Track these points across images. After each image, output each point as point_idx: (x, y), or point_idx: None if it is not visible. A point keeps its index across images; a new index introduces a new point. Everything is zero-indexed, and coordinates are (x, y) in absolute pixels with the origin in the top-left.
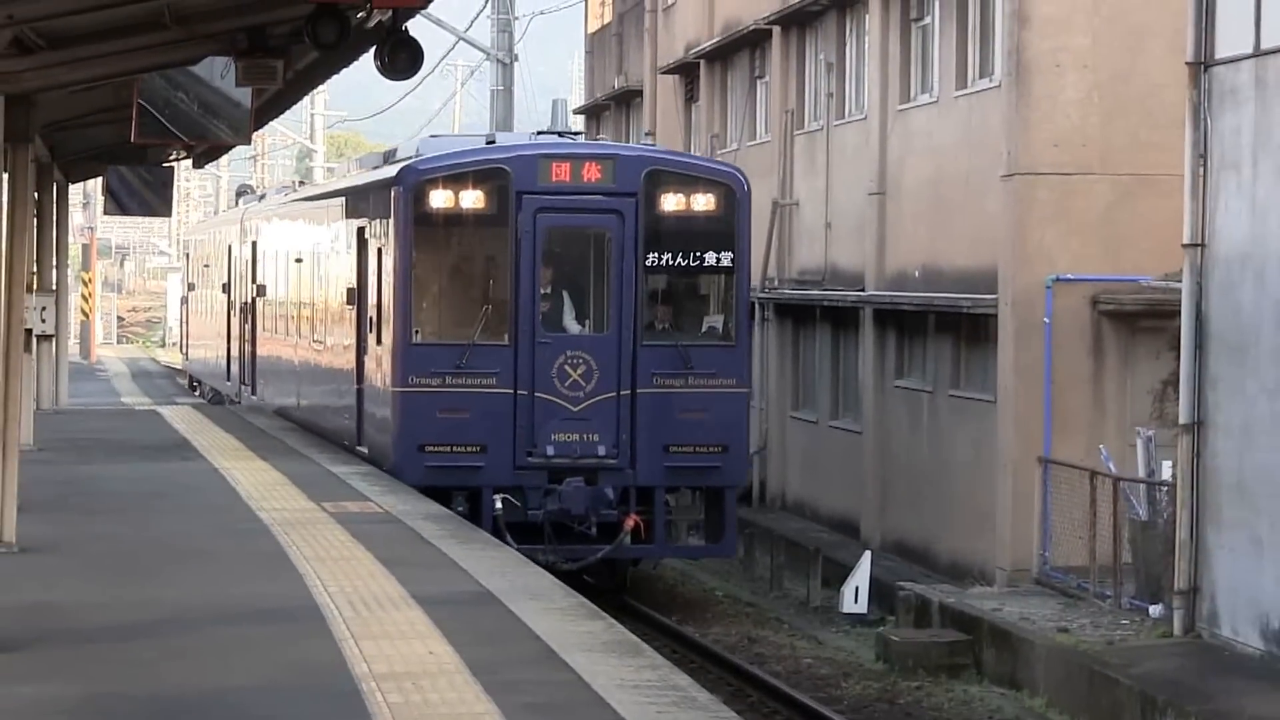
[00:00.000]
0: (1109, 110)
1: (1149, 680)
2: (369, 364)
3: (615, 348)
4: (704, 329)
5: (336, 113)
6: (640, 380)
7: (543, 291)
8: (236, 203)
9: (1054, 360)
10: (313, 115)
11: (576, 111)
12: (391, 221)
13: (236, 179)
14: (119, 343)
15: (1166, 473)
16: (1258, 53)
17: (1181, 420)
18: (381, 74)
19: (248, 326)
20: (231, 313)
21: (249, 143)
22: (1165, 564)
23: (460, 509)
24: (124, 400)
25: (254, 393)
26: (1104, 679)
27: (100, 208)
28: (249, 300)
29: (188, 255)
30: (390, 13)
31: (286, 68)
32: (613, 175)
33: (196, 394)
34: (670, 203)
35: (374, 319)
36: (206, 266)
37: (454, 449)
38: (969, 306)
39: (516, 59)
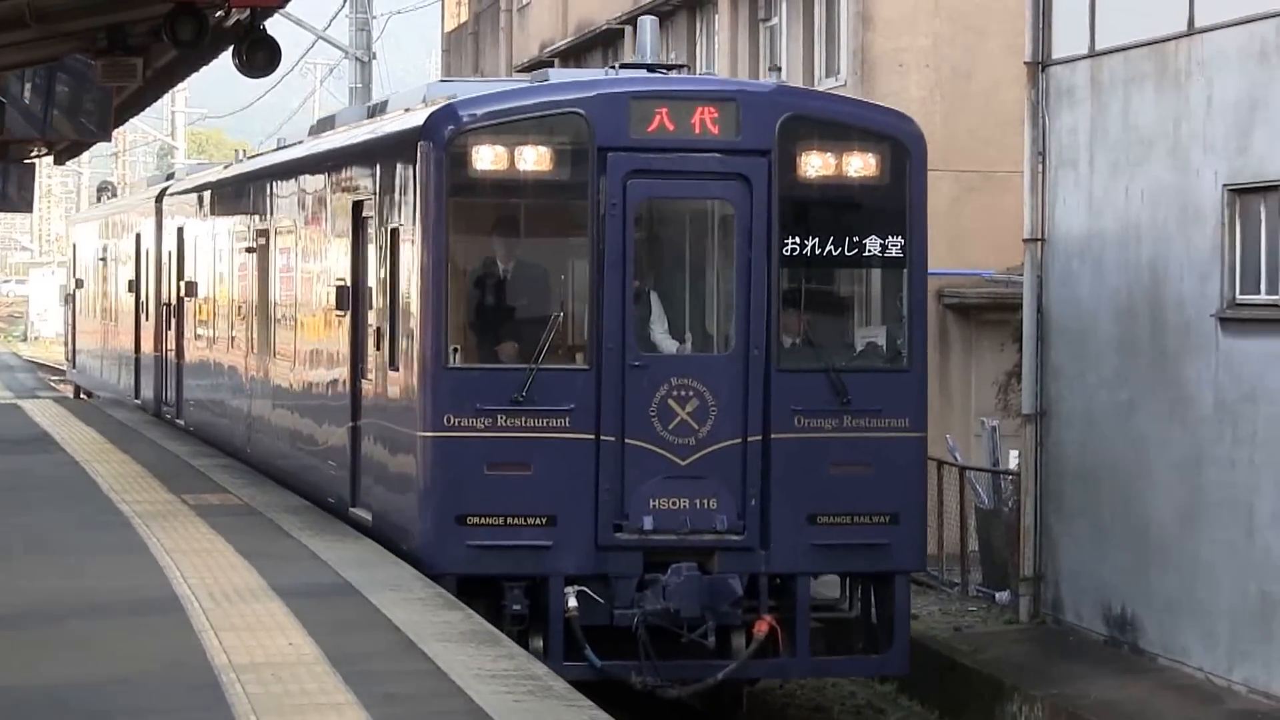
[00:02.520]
0: (950, 108)
1: (996, 665)
2: (374, 394)
3: (741, 374)
4: (859, 347)
5: (197, 110)
6: (776, 421)
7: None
8: (99, 199)
9: None
10: (174, 113)
11: None
12: (415, 192)
13: (98, 175)
14: None
15: (1012, 462)
16: (1092, 54)
17: (1025, 411)
18: (240, 72)
19: (170, 334)
20: (144, 316)
21: (110, 139)
22: (1011, 551)
23: (516, 608)
24: None
25: (179, 415)
26: (952, 665)
27: None
28: (172, 301)
29: (74, 246)
30: (248, 12)
31: (146, 66)
32: (735, 124)
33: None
34: (817, 165)
35: (382, 331)
36: (103, 260)
37: (508, 521)
38: None
39: (374, 57)
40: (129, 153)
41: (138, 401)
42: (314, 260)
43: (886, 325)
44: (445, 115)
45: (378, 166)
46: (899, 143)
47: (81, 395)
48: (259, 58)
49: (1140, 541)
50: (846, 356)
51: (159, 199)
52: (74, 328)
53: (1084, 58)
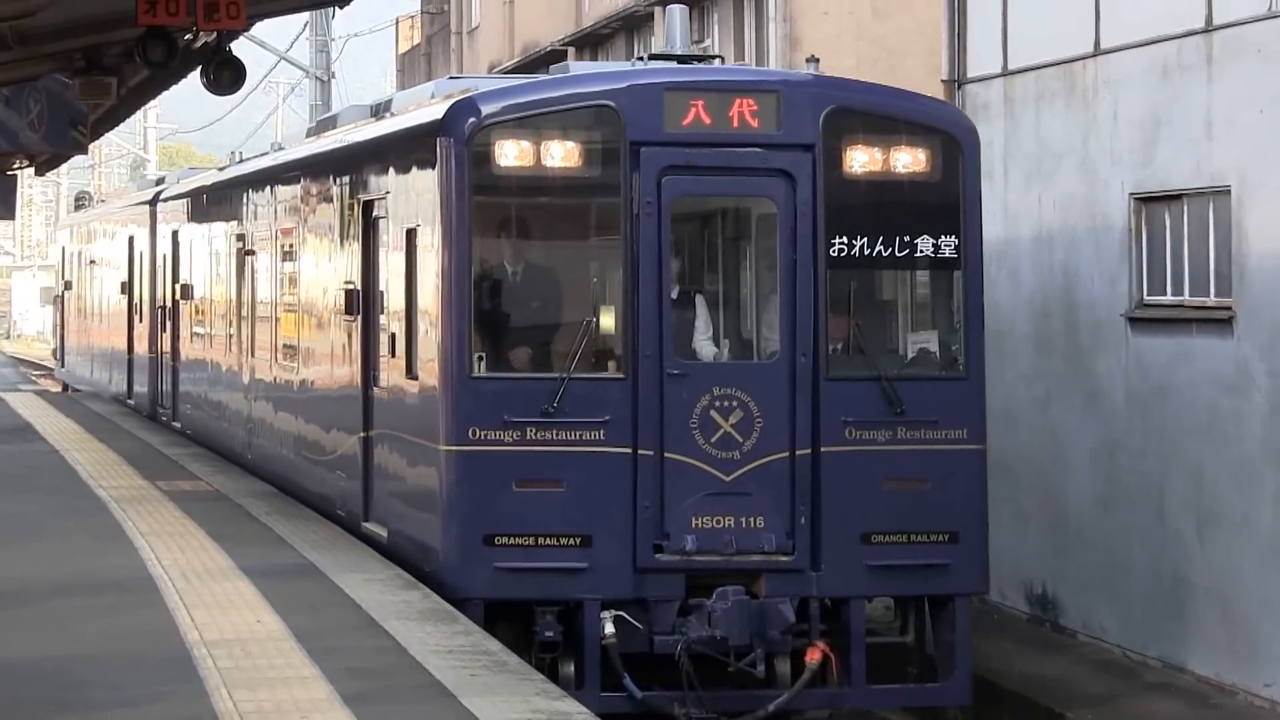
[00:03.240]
0: None
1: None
2: (388, 403)
3: (787, 383)
4: (910, 353)
5: (168, 125)
6: (826, 433)
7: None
8: (77, 207)
9: None
10: (146, 128)
11: None
12: (434, 191)
13: (76, 185)
14: None
15: None
16: (1005, 73)
17: None
18: (208, 90)
19: (165, 335)
20: (137, 317)
21: (86, 152)
22: None
23: (548, 635)
24: None
25: (175, 418)
26: None
27: None
28: (168, 304)
29: (63, 250)
30: (215, 35)
31: (120, 85)
32: (776, 116)
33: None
34: (863, 160)
35: (397, 337)
36: (93, 263)
37: (539, 541)
38: None
39: (333, 76)
40: (105, 165)
41: (130, 402)
42: (320, 262)
43: (940, 330)
44: (466, 108)
45: (392, 164)
46: (951, 137)
47: (71, 391)
48: (225, 77)
49: (1059, 525)
50: (898, 364)
51: (153, 203)
52: (63, 328)
53: (998, 76)
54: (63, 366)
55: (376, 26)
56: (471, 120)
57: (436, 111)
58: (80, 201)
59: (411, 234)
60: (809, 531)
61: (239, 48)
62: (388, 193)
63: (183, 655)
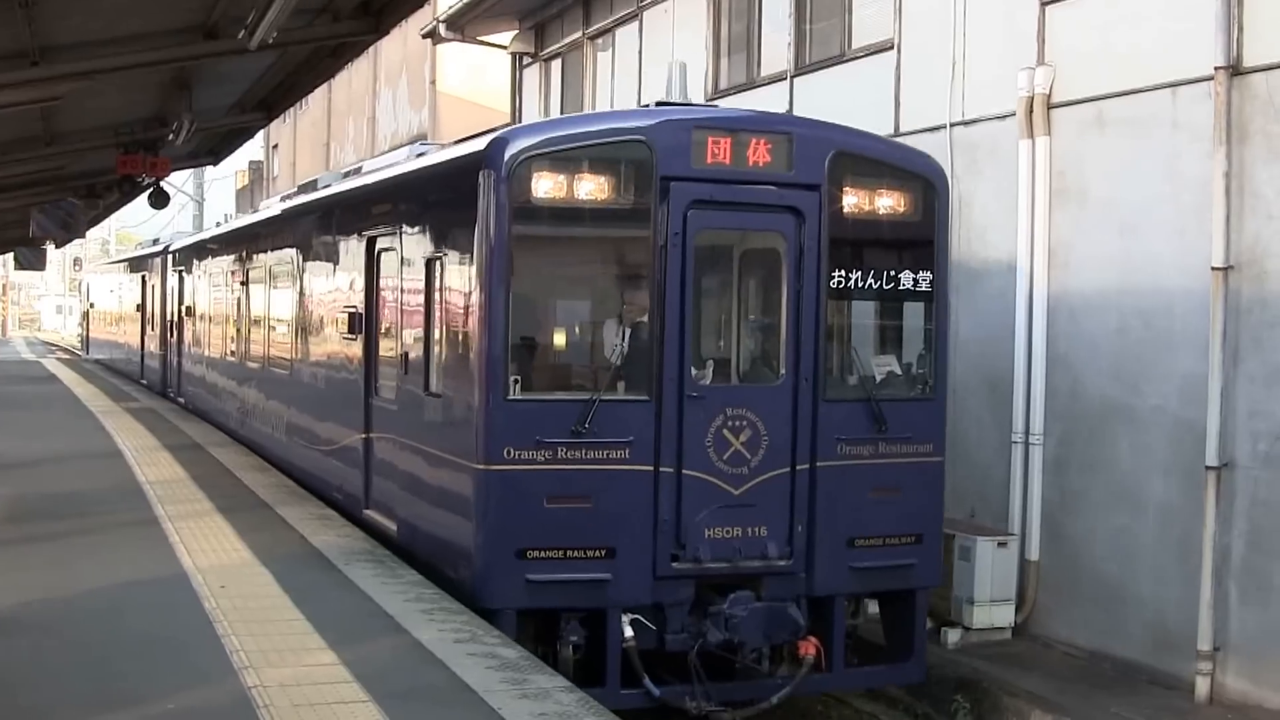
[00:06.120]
0: None
1: None
2: (395, 413)
3: (789, 404)
4: (879, 376)
5: (122, 220)
6: (822, 449)
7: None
8: (76, 266)
9: None
10: (109, 224)
11: None
12: (479, 222)
13: (72, 251)
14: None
15: None
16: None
17: None
18: (150, 206)
19: (172, 339)
20: (150, 328)
21: (83, 237)
22: None
23: (574, 640)
24: (23, 356)
25: (179, 395)
26: None
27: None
28: (174, 318)
29: (88, 286)
30: (154, 178)
31: (104, 202)
32: (788, 158)
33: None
34: (859, 201)
35: (411, 355)
36: (112, 291)
37: (568, 554)
38: None
39: (204, 199)
40: (87, 243)
41: (144, 381)
42: (317, 288)
43: (915, 355)
44: (507, 141)
45: (407, 201)
46: (929, 182)
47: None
48: (159, 199)
49: None
50: (873, 386)
51: (164, 253)
52: (88, 330)
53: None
54: (87, 353)
55: (227, 174)
56: (513, 152)
57: (477, 145)
58: (77, 261)
59: (432, 263)
60: (804, 539)
61: (165, 183)
62: (400, 227)
63: (136, 489)
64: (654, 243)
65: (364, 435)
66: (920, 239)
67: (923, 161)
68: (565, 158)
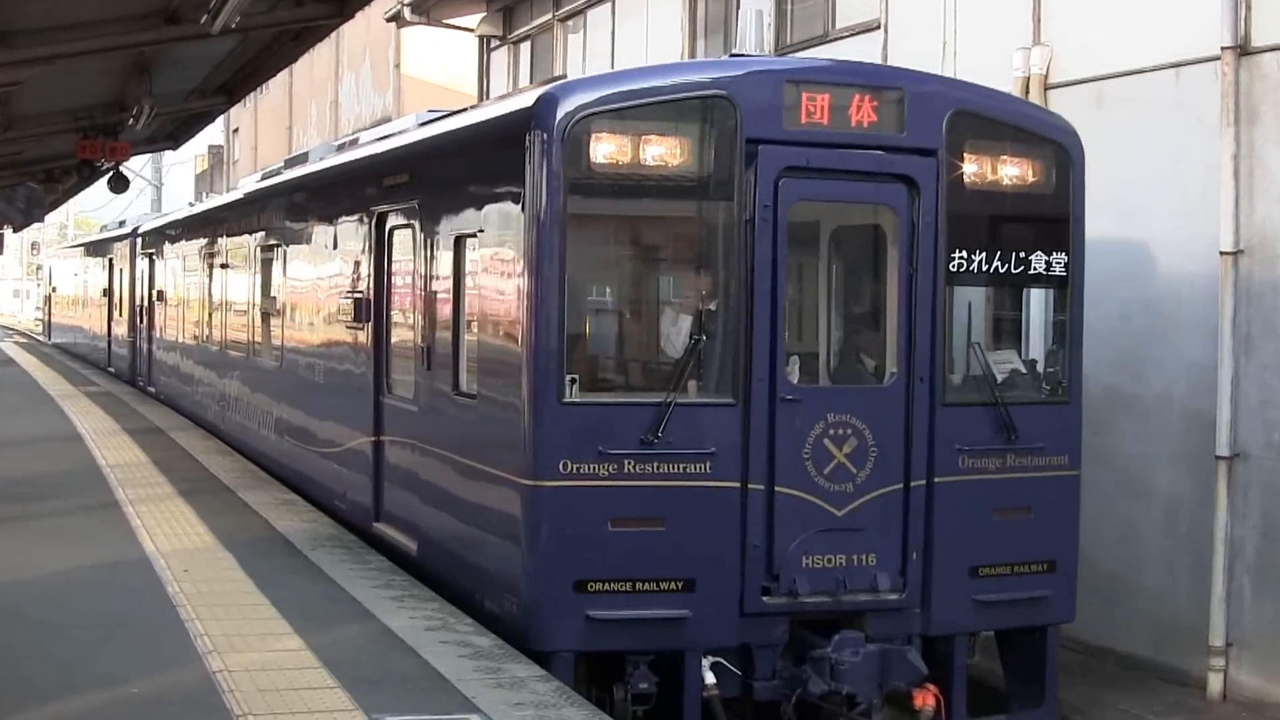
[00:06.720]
0: None
1: None
2: (416, 415)
3: (902, 408)
4: (1000, 375)
5: (81, 205)
6: (940, 462)
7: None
8: (33, 250)
9: None
10: (67, 208)
11: None
12: (527, 193)
13: (30, 236)
14: None
15: None
16: None
17: None
18: (110, 190)
19: (142, 325)
20: (117, 312)
21: (42, 221)
22: None
23: (642, 686)
24: None
25: (149, 384)
26: None
27: None
28: (145, 303)
29: (50, 269)
30: (114, 162)
31: (62, 186)
32: (899, 118)
33: None
34: (981, 169)
35: (434, 350)
36: (75, 275)
37: (638, 587)
38: None
39: (163, 184)
40: (45, 227)
41: (110, 369)
42: (308, 271)
43: (1041, 350)
44: (560, 97)
45: (427, 171)
46: (1063, 148)
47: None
48: (119, 184)
49: None
50: (998, 387)
51: (134, 235)
52: (49, 315)
53: None
54: (49, 338)
55: (186, 159)
56: (566, 110)
57: (524, 101)
58: (34, 245)
59: (462, 242)
60: (920, 568)
61: (124, 166)
62: (420, 201)
63: (96, 472)
64: (738, 217)
65: (374, 438)
66: (1053, 215)
67: (1056, 124)
68: (630, 116)
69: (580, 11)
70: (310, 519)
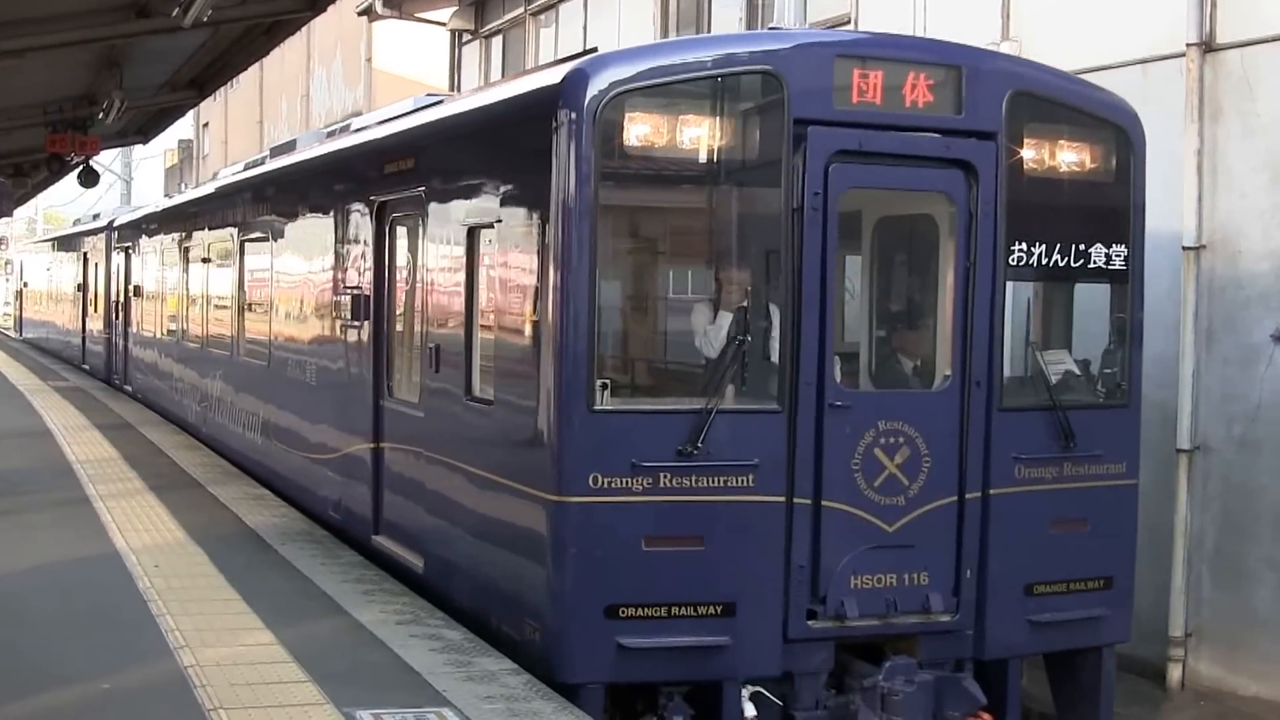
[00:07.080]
0: None
1: None
2: (421, 420)
3: (956, 414)
4: (1055, 376)
5: (50, 199)
6: (996, 472)
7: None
8: (2, 242)
9: None
10: (36, 203)
11: None
12: (554, 178)
13: None
14: None
15: None
16: None
17: None
18: (80, 185)
19: (118, 321)
20: (91, 308)
21: (11, 215)
22: None
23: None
24: None
25: (125, 382)
26: None
27: None
28: (121, 299)
29: (21, 263)
30: (83, 156)
31: (31, 181)
32: (956, 98)
33: None
34: (1040, 154)
35: (443, 350)
36: (49, 269)
37: (674, 612)
38: None
39: (132, 179)
40: (13, 221)
41: (85, 366)
42: (297, 265)
43: (1097, 350)
44: (591, 72)
45: (434, 156)
46: (1124, 132)
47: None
48: (89, 178)
49: None
50: (1053, 390)
51: (109, 229)
52: (21, 310)
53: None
54: (20, 334)
55: (155, 153)
56: (599, 87)
57: (550, 78)
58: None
59: (476, 233)
60: (974, 586)
61: (94, 160)
62: (426, 189)
63: (67, 468)
64: (785, 205)
65: (373, 445)
66: (1112, 204)
67: (1118, 105)
68: (668, 93)
69: (552, 6)
70: (281, 514)
